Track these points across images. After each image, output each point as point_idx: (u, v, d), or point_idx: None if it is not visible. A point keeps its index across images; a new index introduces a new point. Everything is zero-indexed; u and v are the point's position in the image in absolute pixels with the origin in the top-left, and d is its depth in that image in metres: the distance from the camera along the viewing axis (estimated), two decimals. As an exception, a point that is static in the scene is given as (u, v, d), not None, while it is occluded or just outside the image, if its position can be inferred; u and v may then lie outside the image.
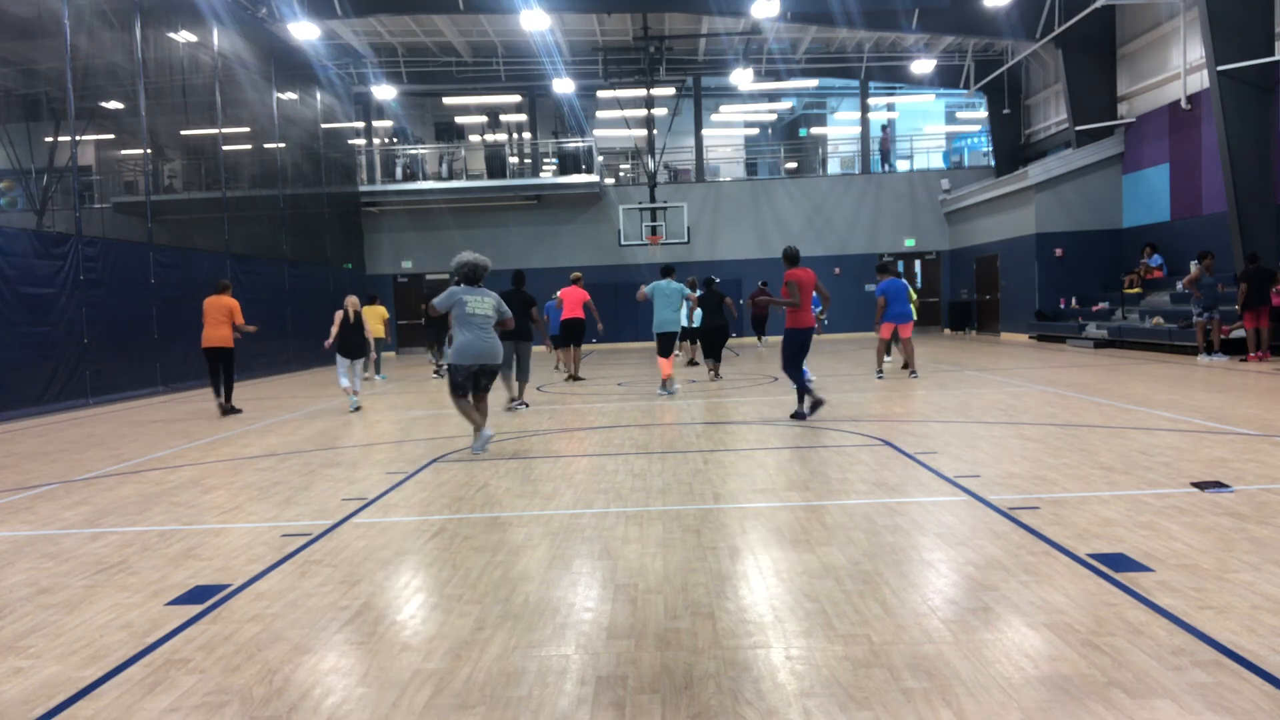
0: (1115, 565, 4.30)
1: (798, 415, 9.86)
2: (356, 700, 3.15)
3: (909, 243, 29.87)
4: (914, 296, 16.20)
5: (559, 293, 16.06)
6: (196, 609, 4.18)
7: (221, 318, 12.44)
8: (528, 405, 12.21)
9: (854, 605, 3.89)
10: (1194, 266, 20.20)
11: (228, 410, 12.56)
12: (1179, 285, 19.87)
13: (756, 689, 3.12)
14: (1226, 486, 5.82)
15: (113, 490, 7.29)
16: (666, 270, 13.62)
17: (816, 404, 9.94)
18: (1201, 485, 5.88)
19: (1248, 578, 4.06)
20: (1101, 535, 4.83)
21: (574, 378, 15.88)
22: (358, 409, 12.50)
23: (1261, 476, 6.12)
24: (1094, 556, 4.45)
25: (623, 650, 3.49)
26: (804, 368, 9.86)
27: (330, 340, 12.47)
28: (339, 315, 12.43)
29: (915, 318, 15.12)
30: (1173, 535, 4.78)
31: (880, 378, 14.47)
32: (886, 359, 17.93)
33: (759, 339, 25.52)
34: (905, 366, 15.62)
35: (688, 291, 13.53)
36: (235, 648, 3.67)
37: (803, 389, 9.94)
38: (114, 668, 3.52)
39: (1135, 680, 3.07)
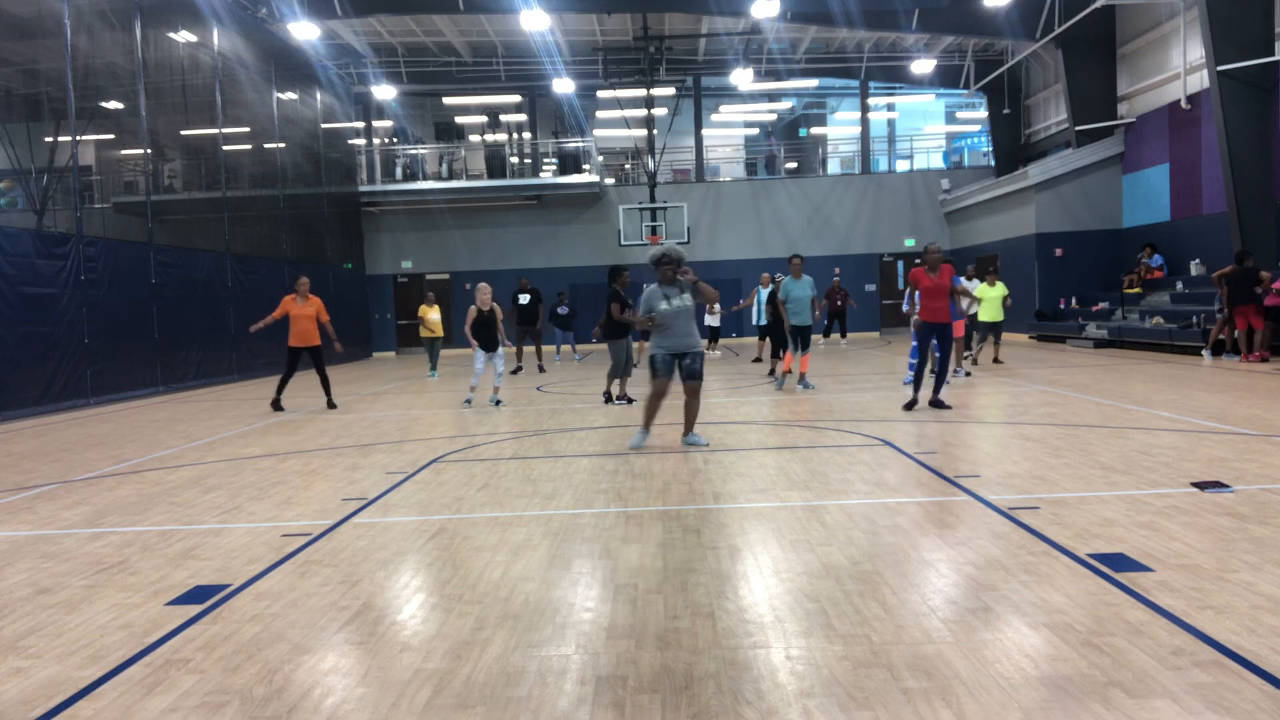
0: (1115, 565, 4.30)
1: (937, 404, 10.16)
2: (356, 700, 3.15)
3: (909, 243, 29.87)
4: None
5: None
6: (196, 609, 4.18)
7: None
8: (630, 400, 12.06)
9: (854, 605, 3.89)
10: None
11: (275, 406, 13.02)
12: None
13: (756, 689, 3.12)
14: (1226, 486, 5.82)
15: (113, 490, 7.29)
16: (794, 259, 13.07)
17: (911, 402, 10.34)
18: (1201, 485, 5.88)
19: (1248, 578, 4.06)
20: (1101, 535, 4.83)
21: None
22: (498, 402, 12.45)
23: (1261, 476, 6.12)
24: (1094, 556, 4.45)
25: (623, 650, 3.49)
26: (911, 364, 10.30)
27: (474, 345, 12.28)
28: (472, 310, 12.10)
29: (963, 315, 13.97)
30: (1173, 535, 4.78)
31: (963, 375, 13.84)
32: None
33: (840, 336, 25.06)
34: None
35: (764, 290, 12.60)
36: (235, 648, 3.67)
37: (916, 379, 10.53)
38: (114, 668, 3.52)
39: (1135, 680, 3.07)
